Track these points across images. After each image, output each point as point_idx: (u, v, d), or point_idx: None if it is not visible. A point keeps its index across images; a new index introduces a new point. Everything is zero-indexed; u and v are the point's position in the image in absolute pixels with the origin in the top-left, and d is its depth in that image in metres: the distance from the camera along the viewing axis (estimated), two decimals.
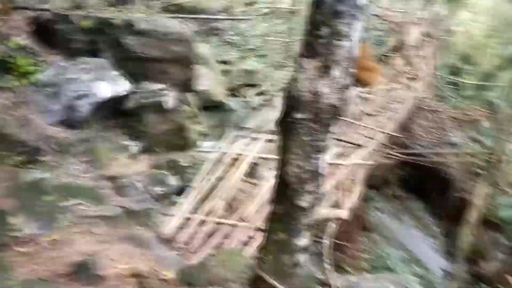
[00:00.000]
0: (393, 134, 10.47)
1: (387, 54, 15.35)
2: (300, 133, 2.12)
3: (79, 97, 6.96)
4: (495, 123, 10.04)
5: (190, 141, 9.00)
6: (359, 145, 8.02)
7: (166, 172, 6.90)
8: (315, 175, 2.20)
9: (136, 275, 3.21)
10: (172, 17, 8.55)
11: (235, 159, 5.80)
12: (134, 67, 8.00)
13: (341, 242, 6.75)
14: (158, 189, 6.21)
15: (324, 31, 1.99)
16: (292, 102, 2.07)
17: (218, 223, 4.35)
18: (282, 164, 2.23)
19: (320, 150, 2.14)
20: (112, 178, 5.91)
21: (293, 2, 13.92)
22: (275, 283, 2.39)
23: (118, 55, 8.00)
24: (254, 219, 4.42)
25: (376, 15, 15.26)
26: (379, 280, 3.91)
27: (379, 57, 15.02)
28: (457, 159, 12.37)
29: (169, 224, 4.10)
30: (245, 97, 14.49)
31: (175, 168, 7.19)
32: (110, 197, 5.25)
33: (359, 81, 13.28)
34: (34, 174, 5.02)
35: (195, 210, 4.71)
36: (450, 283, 8.47)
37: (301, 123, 2.10)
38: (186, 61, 8.46)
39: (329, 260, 4.21)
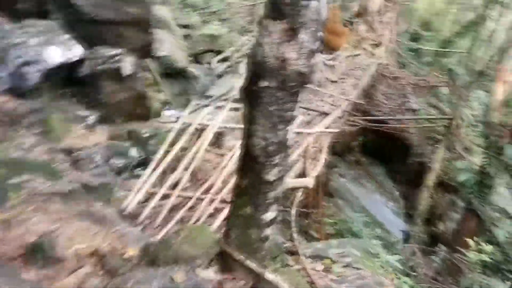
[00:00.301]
0: (356, 101, 10.57)
1: (350, 20, 15.29)
2: (265, 102, 1.97)
3: (27, 63, 6.43)
4: (453, 89, 10.33)
5: (152, 110, 8.64)
6: (324, 113, 8.01)
7: (126, 144, 6.60)
8: (282, 147, 2.08)
9: (96, 254, 3.04)
10: None
11: (200, 129, 5.61)
12: (87, 30, 7.45)
13: (307, 209, 6.85)
14: (119, 162, 5.93)
15: None
16: (256, 69, 1.91)
17: (183, 197, 4.21)
18: (247, 136, 2.09)
19: (287, 120, 2.02)
20: (67, 151, 5.57)
21: None
22: (242, 258, 2.31)
23: (69, 17, 7.43)
24: (220, 191, 4.31)
25: None
26: (343, 245, 3.95)
27: (343, 22, 14.93)
28: (417, 125, 12.75)
29: (131, 199, 3.91)
30: (209, 63, 14.05)
31: (136, 139, 6.90)
32: (66, 171, 4.95)
33: (327, 46, 13.14)
34: None
35: (158, 183, 4.53)
36: (409, 244, 8.90)
37: (267, 92, 1.95)
38: (144, 25, 7.98)
39: (296, 228, 4.21)
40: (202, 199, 4.08)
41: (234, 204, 2.29)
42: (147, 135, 7.00)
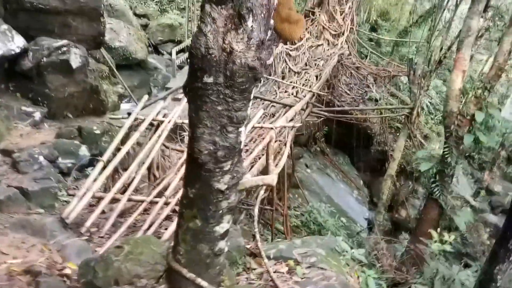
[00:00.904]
0: (319, 92, 10.49)
1: (312, 10, 15.18)
2: (212, 101, 1.71)
3: None
4: (413, 79, 10.45)
5: (108, 104, 8.14)
6: (288, 105, 7.83)
7: (76, 141, 6.14)
8: (233, 152, 1.83)
9: (31, 271, 2.69)
10: None
11: (156, 124, 5.24)
12: (30, 20, 6.89)
13: (272, 203, 6.67)
14: (66, 162, 5.50)
15: None
16: (199, 63, 1.64)
17: (134, 201, 3.88)
18: (194, 140, 1.82)
19: (237, 121, 1.76)
20: (7, 152, 5.07)
21: None
22: (193, 276, 2.05)
23: (8, 6, 6.89)
24: (177, 191, 4.01)
25: None
26: (308, 244, 3.79)
27: (304, 12, 14.79)
28: (378, 115, 12.90)
29: (75, 204, 3.54)
30: (170, 54, 13.50)
31: (87, 136, 6.45)
32: (4, 175, 4.47)
33: (282, 36, 12.91)
34: None
35: (107, 186, 4.16)
36: (373, 232, 8.98)
37: (213, 89, 1.68)
38: (94, 14, 7.44)
39: (259, 227, 4.00)
40: (156, 203, 3.77)
41: (182, 216, 2.02)
42: (99, 131, 6.56)
